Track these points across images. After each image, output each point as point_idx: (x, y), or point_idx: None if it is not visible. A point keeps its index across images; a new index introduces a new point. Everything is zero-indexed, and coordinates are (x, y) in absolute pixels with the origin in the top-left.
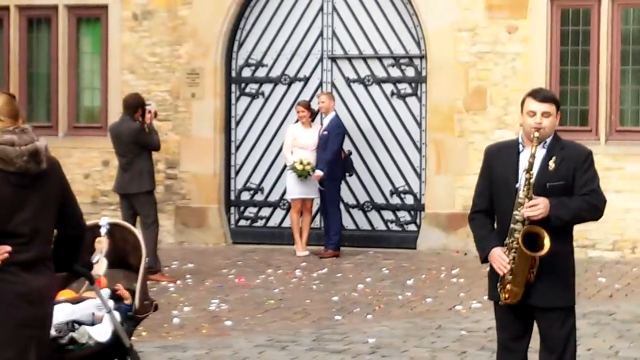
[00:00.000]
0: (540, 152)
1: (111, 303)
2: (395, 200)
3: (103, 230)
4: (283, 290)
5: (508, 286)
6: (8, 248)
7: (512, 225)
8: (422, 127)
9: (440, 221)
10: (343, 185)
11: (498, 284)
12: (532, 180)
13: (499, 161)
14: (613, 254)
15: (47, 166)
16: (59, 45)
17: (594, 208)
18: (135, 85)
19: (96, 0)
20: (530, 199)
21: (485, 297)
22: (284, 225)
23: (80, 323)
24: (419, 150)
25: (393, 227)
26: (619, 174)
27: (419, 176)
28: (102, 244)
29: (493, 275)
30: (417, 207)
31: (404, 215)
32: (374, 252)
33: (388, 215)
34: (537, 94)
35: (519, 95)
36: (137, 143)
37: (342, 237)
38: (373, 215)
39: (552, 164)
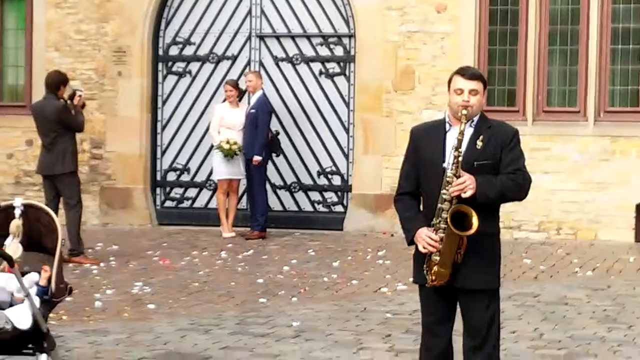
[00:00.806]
0: (468, 131)
1: (34, 289)
2: (322, 181)
3: (17, 212)
4: (208, 273)
5: (435, 268)
6: None
7: (439, 205)
8: (350, 107)
9: (367, 202)
10: (270, 166)
11: (424, 265)
12: (460, 158)
13: (426, 141)
14: (538, 235)
15: None
16: None
17: (520, 187)
18: (60, 63)
19: None
20: (458, 177)
21: (411, 279)
22: (210, 206)
23: None
24: (347, 130)
25: (320, 208)
26: (545, 155)
27: (347, 157)
28: (16, 225)
29: (419, 257)
30: (344, 188)
31: (331, 197)
32: (301, 233)
33: (315, 196)
34: (465, 72)
35: (448, 76)
36: (60, 122)
37: (269, 219)
38: (300, 196)
39: (479, 143)
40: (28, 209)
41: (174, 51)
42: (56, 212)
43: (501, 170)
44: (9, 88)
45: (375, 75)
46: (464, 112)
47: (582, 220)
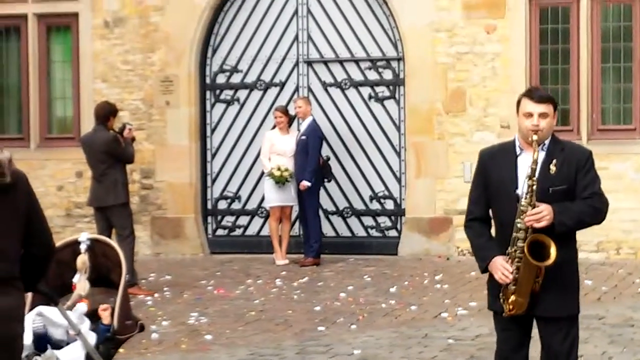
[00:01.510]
0: (540, 155)
1: (87, 323)
2: (375, 205)
3: (83, 247)
4: (264, 301)
5: (512, 297)
6: None
7: (514, 234)
8: (401, 131)
9: (421, 226)
10: (322, 192)
11: (500, 294)
12: (534, 187)
13: (496, 166)
14: (598, 255)
15: (12, 180)
16: (29, 55)
17: (597, 211)
18: (107, 94)
19: (66, 8)
20: (534, 206)
21: (471, 304)
22: (262, 233)
23: (51, 343)
24: (398, 154)
25: (373, 233)
26: (602, 174)
27: (399, 180)
28: (82, 261)
29: (493, 285)
30: (398, 212)
31: (384, 221)
32: (355, 259)
33: (368, 221)
34: (533, 94)
35: (499, 96)
36: (110, 154)
37: (322, 245)
38: (353, 221)
39: (553, 168)
40: (94, 243)
41: (221, 79)
42: None
43: (577, 194)
44: (57, 120)
45: (425, 97)
46: (535, 137)
47: None
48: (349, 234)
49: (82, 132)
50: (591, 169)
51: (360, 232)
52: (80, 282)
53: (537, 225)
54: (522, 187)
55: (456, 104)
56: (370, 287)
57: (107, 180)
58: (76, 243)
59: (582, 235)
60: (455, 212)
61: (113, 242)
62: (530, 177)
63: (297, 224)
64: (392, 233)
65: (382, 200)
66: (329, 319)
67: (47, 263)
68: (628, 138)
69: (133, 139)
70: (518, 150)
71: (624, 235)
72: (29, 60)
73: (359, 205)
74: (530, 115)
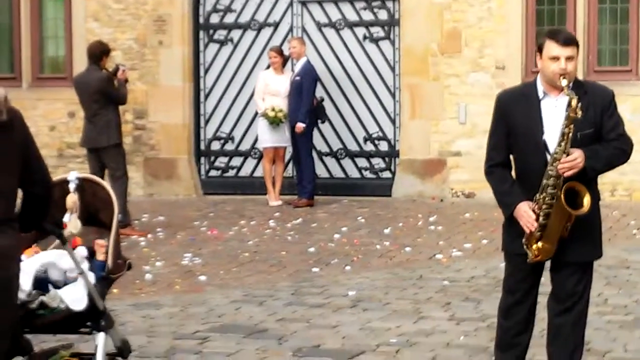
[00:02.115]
0: (564, 99)
1: (85, 264)
2: (369, 147)
3: (72, 186)
4: (257, 242)
5: (539, 243)
6: None
7: (544, 181)
8: (395, 72)
9: (415, 168)
10: (316, 133)
11: (524, 240)
12: (571, 135)
13: (518, 111)
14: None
15: (7, 118)
16: None
17: (624, 153)
18: (100, 33)
19: None
20: (568, 153)
21: (466, 245)
22: (255, 174)
23: (50, 283)
24: (393, 95)
25: (367, 174)
26: None
27: (393, 122)
28: (72, 200)
29: (512, 228)
30: (392, 154)
31: (378, 162)
32: (349, 200)
33: (362, 162)
34: (558, 37)
35: (495, 37)
36: (103, 94)
37: (316, 186)
38: (347, 162)
39: (579, 112)
40: (83, 182)
41: (215, 19)
42: None
43: (604, 136)
44: (50, 60)
45: (420, 38)
46: (564, 82)
47: (637, 181)
48: (342, 176)
49: (74, 72)
50: (615, 110)
51: (354, 173)
52: (72, 221)
53: (569, 173)
54: (547, 133)
55: (452, 44)
56: (364, 229)
57: (100, 120)
58: (65, 182)
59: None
60: (449, 154)
61: (103, 182)
62: (567, 125)
63: (290, 165)
64: (386, 174)
65: (376, 142)
66: (323, 260)
67: (48, 201)
68: (624, 79)
69: (126, 80)
70: (541, 94)
71: (619, 177)
72: (20, 0)
73: (353, 146)
74: (556, 58)
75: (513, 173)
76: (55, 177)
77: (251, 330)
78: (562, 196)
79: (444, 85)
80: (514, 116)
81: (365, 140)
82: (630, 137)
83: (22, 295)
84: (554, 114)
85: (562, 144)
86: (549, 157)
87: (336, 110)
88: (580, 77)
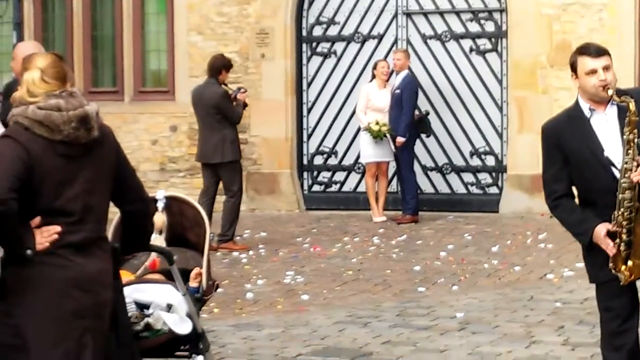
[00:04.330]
0: (612, 111)
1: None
2: (475, 161)
3: (160, 205)
4: (361, 260)
5: (629, 262)
6: (58, 228)
7: (620, 196)
8: (503, 85)
9: (523, 183)
10: (421, 147)
11: (610, 264)
12: (637, 140)
13: (571, 136)
14: None
15: (99, 134)
16: (124, 6)
17: None
18: (202, 47)
19: None
20: (638, 162)
21: (578, 264)
22: (359, 189)
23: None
24: (500, 108)
25: (473, 190)
26: None
27: (500, 136)
28: (161, 220)
29: (593, 256)
30: (499, 169)
31: (485, 178)
32: (454, 216)
33: (468, 177)
34: (589, 51)
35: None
36: (218, 108)
37: (421, 202)
38: (452, 177)
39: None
40: (171, 201)
41: (317, 31)
42: (213, 199)
43: None
44: (151, 73)
45: (529, 50)
46: (610, 91)
47: None
48: (448, 191)
49: (176, 85)
50: None
51: (459, 188)
52: (157, 242)
53: None
54: (607, 149)
55: (561, 57)
56: (472, 246)
57: (214, 136)
58: (153, 201)
59: None
60: None
61: (192, 200)
62: (630, 131)
63: (394, 180)
64: (493, 190)
65: (482, 156)
66: (429, 279)
67: (147, 218)
68: None
69: (245, 105)
70: (588, 113)
71: None
72: (123, 13)
73: (458, 161)
74: (594, 72)
75: (578, 200)
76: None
77: (355, 354)
78: None
79: (554, 98)
80: (569, 143)
81: (472, 154)
82: None
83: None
84: (607, 128)
85: (630, 151)
86: (616, 172)
87: (441, 124)
88: None
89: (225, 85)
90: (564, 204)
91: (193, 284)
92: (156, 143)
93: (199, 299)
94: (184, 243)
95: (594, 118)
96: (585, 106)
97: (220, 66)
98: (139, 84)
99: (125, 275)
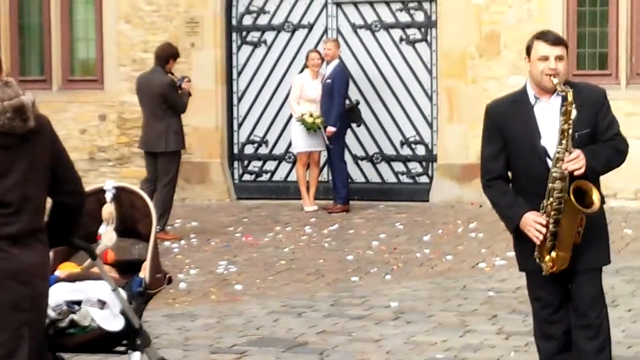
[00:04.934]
0: (556, 101)
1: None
2: (405, 151)
3: (109, 196)
4: (293, 249)
5: (552, 253)
6: None
7: (550, 185)
8: (432, 74)
9: (453, 172)
10: (351, 137)
11: (535, 253)
12: (570, 131)
13: (512, 119)
14: (636, 203)
15: (36, 124)
16: None
17: (621, 153)
18: (131, 35)
19: None
20: (570, 152)
21: (509, 253)
22: (290, 179)
23: (79, 303)
24: (430, 98)
25: (404, 179)
26: None
27: (431, 125)
28: (109, 211)
29: (522, 244)
30: (429, 158)
31: (415, 167)
32: (385, 205)
33: (398, 167)
34: (547, 37)
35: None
36: (164, 97)
37: (352, 191)
38: (383, 167)
39: (574, 112)
40: (120, 192)
41: (247, 20)
42: (156, 187)
43: (599, 137)
44: (80, 62)
45: (458, 40)
46: (555, 80)
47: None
48: (378, 180)
49: (105, 74)
50: (609, 109)
51: (390, 178)
52: (107, 233)
53: (578, 171)
54: (545, 138)
55: (490, 47)
56: (403, 236)
57: (158, 125)
58: (101, 191)
59: (618, 183)
60: None
61: (141, 191)
62: (566, 121)
63: (325, 169)
64: (424, 179)
65: (413, 146)
66: (362, 269)
67: (79, 213)
68: None
69: (189, 94)
70: (532, 100)
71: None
72: (50, 1)
73: (389, 150)
74: (545, 58)
75: (511, 186)
76: (87, 181)
77: (291, 344)
78: (571, 196)
79: (483, 88)
80: (509, 125)
81: (402, 144)
82: (625, 137)
83: (52, 313)
84: (549, 117)
85: (563, 142)
86: (549, 162)
87: (372, 113)
88: (622, 80)
89: (172, 74)
90: (497, 185)
91: (141, 274)
92: (85, 132)
93: (141, 292)
94: (135, 234)
95: (537, 106)
96: (531, 93)
97: (168, 55)
98: (68, 73)
99: (70, 268)
